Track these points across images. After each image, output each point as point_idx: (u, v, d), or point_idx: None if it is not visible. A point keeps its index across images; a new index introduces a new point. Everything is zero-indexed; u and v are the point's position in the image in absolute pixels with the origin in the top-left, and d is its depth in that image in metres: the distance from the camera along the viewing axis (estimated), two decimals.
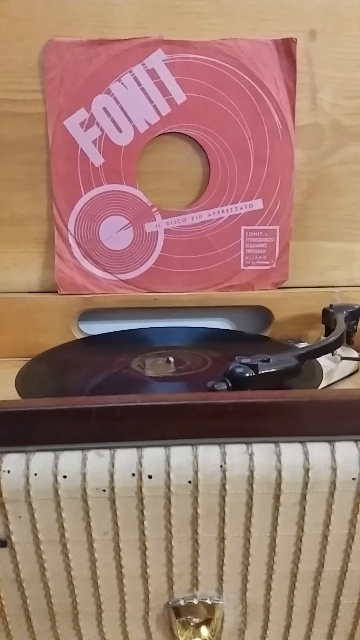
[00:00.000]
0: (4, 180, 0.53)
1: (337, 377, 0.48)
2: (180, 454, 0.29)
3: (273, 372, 0.37)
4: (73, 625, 0.34)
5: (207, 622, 0.34)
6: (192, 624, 0.34)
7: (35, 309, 0.55)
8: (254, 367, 0.36)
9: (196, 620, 0.34)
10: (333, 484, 0.29)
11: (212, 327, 0.60)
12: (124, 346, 0.54)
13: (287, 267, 0.57)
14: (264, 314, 0.58)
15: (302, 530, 0.30)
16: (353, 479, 0.29)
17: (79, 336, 0.57)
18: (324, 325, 0.53)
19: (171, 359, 0.48)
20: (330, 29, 0.51)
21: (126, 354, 0.50)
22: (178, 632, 0.34)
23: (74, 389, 0.46)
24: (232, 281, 0.57)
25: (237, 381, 0.36)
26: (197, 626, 0.34)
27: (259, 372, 0.36)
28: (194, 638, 0.34)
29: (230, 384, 0.35)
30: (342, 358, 0.49)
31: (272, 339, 0.56)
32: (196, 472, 0.29)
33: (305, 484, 0.29)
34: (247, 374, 0.36)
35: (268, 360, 0.37)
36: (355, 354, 0.51)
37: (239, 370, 0.36)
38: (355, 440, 0.29)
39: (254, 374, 0.36)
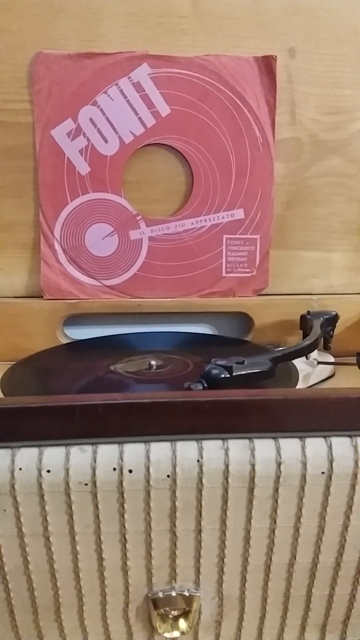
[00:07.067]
0: None
1: (313, 381, 0.50)
2: (160, 449, 0.30)
3: (247, 373, 0.38)
4: (55, 617, 0.35)
5: (185, 614, 0.35)
6: (170, 616, 0.35)
7: (20, 314, 0.56)
8: (229, 369, 0.38)
9: (174, 612, 0.35)
10: (304, 477, 0.30)
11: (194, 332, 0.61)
12: (108, 351, 0.55)
13: (267, 274, 0.58)
14: (244, 320, 0.60)
15: (275, 523, 0.32)
16: (322, 473, 0.30)
17: (64, 341, 0.58)
18: (302, 331, 0.55)
19: (153, 362, 0.49)
20: (309, 48, 0.54)
21: (110, 358, 0.51)
22: (157, 624, 0.35)
23: (58, 392, 0.47)
24: (214, 288, 0.58)
25: (213, 382, 0.37)
26: (175, 619, 0.35)
27: (234, 374, 0.38)
28: (173, 630, 0.35)
29: (206, 385, 0.37)
30: (319, 362, 0.51)
31: (251, 342, 0.58)
32: (174, 467, 0.30)
33: (278, 478, 0.30)
34: (222, 375, 0.37)
35: (243, 363, 0.38)
36: (331, 359, 0.53)
37: (214, 371, 0.37)
38: (325, 437, 0.31)
39: (228, 375, 0.37)
